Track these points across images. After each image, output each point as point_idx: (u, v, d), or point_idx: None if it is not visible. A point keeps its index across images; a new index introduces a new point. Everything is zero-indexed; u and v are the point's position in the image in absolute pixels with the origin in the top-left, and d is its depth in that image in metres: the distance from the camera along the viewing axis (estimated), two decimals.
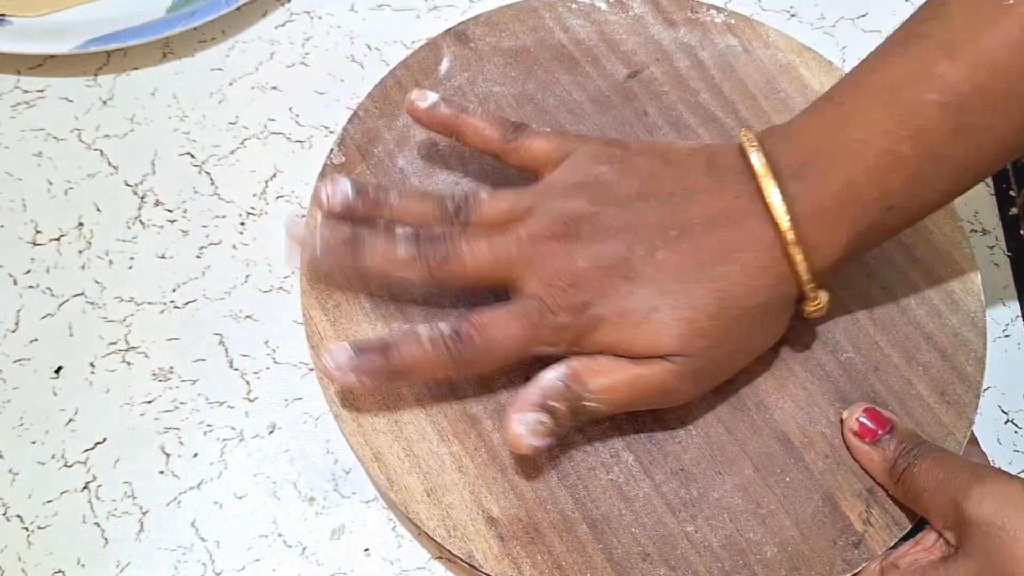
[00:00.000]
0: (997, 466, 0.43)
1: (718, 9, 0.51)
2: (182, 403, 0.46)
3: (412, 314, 0.42)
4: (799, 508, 0.40)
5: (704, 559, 0.39)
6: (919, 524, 0.39)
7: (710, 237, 0.38)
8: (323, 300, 0.43)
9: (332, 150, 0.46)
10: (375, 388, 0.41)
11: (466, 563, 0.38)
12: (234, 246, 0.50)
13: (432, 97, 0.43)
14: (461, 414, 0.41)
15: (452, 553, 0.38)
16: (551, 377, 0.37)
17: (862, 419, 0.40)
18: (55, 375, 0.47)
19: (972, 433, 0.42)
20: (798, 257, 0.37)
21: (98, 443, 0.45)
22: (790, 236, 0.36)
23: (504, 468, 0.40)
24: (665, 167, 0.40)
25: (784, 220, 0.36)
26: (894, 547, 0.39)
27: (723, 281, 0.37)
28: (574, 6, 0.51)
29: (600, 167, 0.40)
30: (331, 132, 0.53)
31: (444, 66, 0.49)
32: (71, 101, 0.54)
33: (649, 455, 0.40)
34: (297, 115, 0.54)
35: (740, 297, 0.37)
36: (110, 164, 0.52)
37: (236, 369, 0.47)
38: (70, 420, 0.46)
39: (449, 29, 0.50)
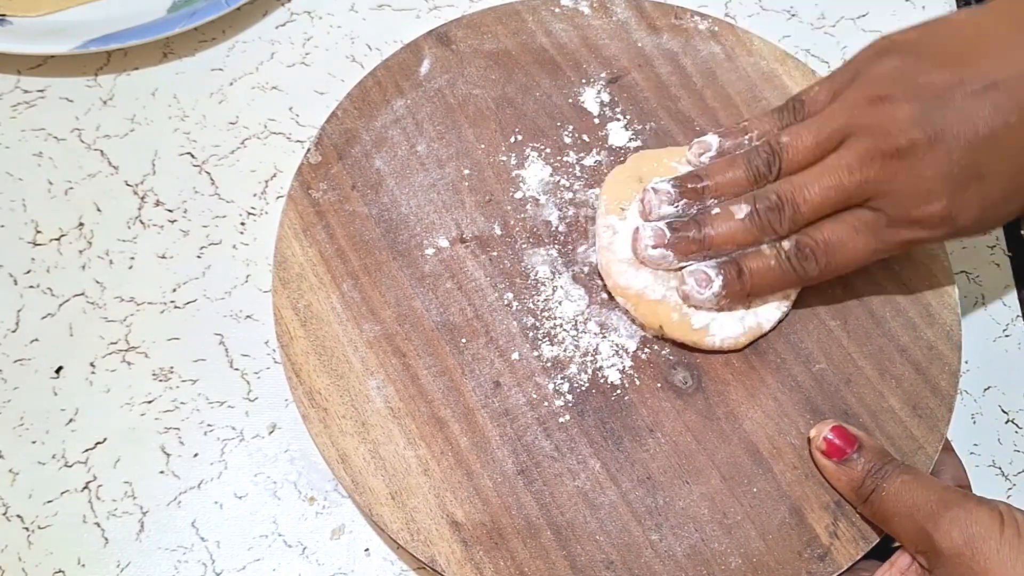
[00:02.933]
0: (973, 474, 0.42)
1: (702, 16, 0.51)
2: (182, 403, 0.46)
3: (384, 316, 0.42)
4: (765, 519, 0.39)
5: (668, 568, 0.38)
6: (886, 538, 0.39)
7: None
8: (295, 300, 0.43)
9: (308, 149, 0.46)
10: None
11: (429, 567, 0.38)
12: (234, 246, 0.50)
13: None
14: (429, 417, 0.41)
15: (415, 557, 0.38)
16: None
17: (829, 437, 0.39)
18: (55, 375, 0.47)
19: (947, 440, 0.42)
20: None
21: (98, 443, 0.45)
22: None
23: (470, 473, 0.40)
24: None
25: None
26: (860, 560, 0.38)
27: None
28: (557, 10, 0.50)
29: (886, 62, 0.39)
30: None
31: (425, 67, 0.48)
32: (71, 101, 0.54)
33: (616, 462, 0.40)
34: (297, 115, 0.54)
35: None
36: (110, 164, 0.52)
37: (236, 369, 0.47)
38: (70, 420, 0.46)
39: (431, 30, 0.49)
